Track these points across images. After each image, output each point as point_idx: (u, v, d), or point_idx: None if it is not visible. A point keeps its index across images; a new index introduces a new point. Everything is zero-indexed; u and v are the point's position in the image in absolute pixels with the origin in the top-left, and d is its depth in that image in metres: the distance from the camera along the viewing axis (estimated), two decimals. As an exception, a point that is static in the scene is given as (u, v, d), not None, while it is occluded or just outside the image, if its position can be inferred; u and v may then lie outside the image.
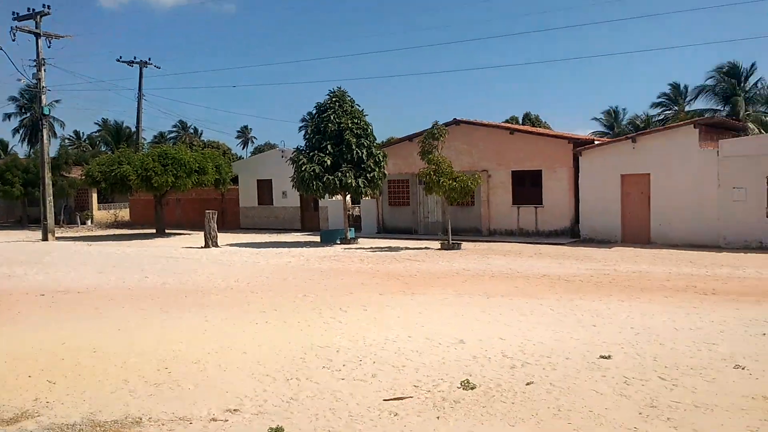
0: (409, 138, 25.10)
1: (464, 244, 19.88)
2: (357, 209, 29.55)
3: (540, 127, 46.06)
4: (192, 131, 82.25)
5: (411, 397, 5.52)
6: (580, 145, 22.18)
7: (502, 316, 9.04)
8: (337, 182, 20.84)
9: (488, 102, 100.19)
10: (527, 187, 23.23)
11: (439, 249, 19.26)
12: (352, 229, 23.42)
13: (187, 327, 8.73)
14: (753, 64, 41.06)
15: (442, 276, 13.48)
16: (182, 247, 21.62)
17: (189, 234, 27.65)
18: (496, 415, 5.03)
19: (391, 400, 5.45)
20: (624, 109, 51.64)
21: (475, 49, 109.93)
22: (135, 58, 36.69)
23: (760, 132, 32.69)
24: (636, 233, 20.22)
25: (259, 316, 9.33)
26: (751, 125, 34.70)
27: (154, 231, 28.57)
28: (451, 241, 19.35)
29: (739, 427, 4.63)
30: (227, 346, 7.51)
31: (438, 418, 5.01)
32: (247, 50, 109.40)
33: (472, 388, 5.69)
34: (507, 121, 46.64)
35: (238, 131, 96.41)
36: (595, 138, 27.42)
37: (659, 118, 46.45)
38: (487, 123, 25.42)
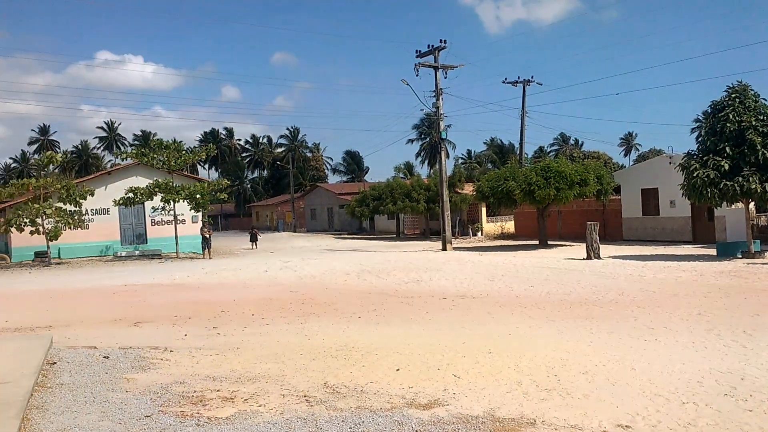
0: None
1: None
2: (763, 218, 25.65)
3: None
4: (572, 143, 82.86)
5: None
6: None
7: None
8: (737, 188, 18.48)
9: None
10: None
11: None
12: (758, 241, 20.42)
13: (572, 337, 8.88)
14: None
15: None
16: (564, 258, 21.95)
17: (571, 245, 27.89)
18: None
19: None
20: None
21: None
22: (519, 77, 38.93)
23: None
24: None
25: (647, 333, 8.93)
26: None
27: (537, 242, 29.66)
28: None
29: None
30: (616, 360, 7.41)
31: None
32: (631, 55, 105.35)
33: None
34: None
35: (621, 138, 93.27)
36: None
37: None
38: None
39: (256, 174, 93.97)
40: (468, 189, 37.78)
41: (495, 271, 18.20)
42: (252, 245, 36.57)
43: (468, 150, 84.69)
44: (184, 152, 31.04)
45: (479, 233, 38.80)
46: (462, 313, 11.35)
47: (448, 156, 66.26)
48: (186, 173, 35.33)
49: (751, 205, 21.48)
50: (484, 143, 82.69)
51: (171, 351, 8.44)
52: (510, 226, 38.63)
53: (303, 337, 9.43)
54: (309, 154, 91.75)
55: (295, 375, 7.07)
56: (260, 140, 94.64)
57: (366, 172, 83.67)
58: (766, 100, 19.42)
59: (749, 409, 5.49)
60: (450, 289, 14.73)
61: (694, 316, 10.07)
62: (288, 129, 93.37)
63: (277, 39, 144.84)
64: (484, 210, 39.43)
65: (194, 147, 41.09)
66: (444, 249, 28.40)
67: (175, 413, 5.61)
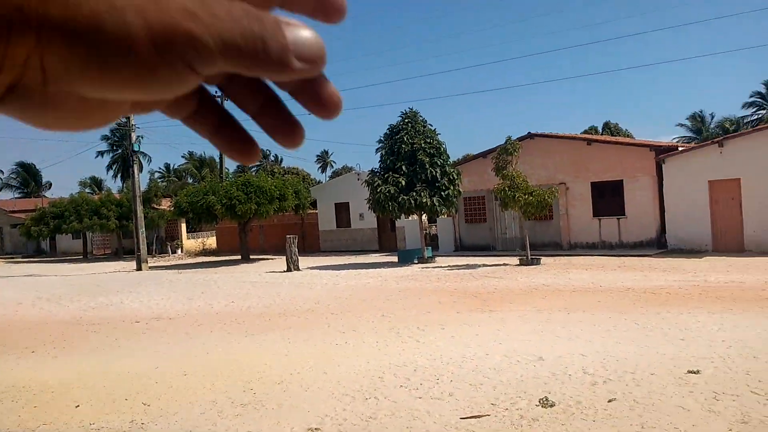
0: (483, 155, 25.03)
1: (543, 259, 19.51)
2: (434, 228, 29.59)
3: (620, 136, 44.68)
4: (273, 159, 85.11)
5: (488, 415, 5.50)
6: (662, 152, 21.41)
7: (584, 331, 8.83)
8: (412, 202, 21.01)
9: (566, 114, 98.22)
10: (608, 198, 22.60)
11: (517, 265, 18.99)
12: (429, 248, 23.48)
13: (270, 349, 9.04)
14: None
15: (521, 292, 13.29)
16: (266, 272, 22.34)
17: (272, 259, 28.53)
18: (575, 432, 4.95)
19: (468, 418, 5.46)
20: (712, 113, 49.40)
21: (551, 60, 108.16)
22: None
23: None
24: (728, 241, 19.22)
25: (338, 337, 9.54)
26: None
27: (239, 257, 29.67)
28: (530, 257, 19.04)
29: (841, 445, 4.35)
30: (310, 367, 7.73)
31: (516, 436, 4.98)
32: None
33: (551, 406, 5.60)
34: (586, 132, 45.55)
35: (318, 156, 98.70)
36: (680, 144, 26.34)
37: (752, 118, 44.08)
38: (562, 135, 24.98)
39: None
40: (166, 204, 36.08)
41: (194, 289, 17.64)
42: None
43: (166, 163, 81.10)
44: None
45: (179, 250, 37.32)
46: (156, 336, 10.70)
47: (141, 169, 62.45)
48: None
49: (424, 216, 24.63)
50: (183, 156, 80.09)
51: None
52: (212, 241, 38.01)
53: (-46, 384, 7.84)
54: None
55: (-62, 431, 5.83)
56: None
57: (48, 188, 74.10)
58: (431, 126, 22.51)
59: (419, 396, 6.20)
60: (144, 312, 13.81)
61: (379, 318, 11.08)
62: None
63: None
64: (184, 226, 38.11)
65: None
66: (139, 269, 26.61)
67: None
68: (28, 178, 72.74)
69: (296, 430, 5.45)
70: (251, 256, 29.73)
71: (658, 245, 21.04)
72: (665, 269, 15.71)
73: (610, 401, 5.64)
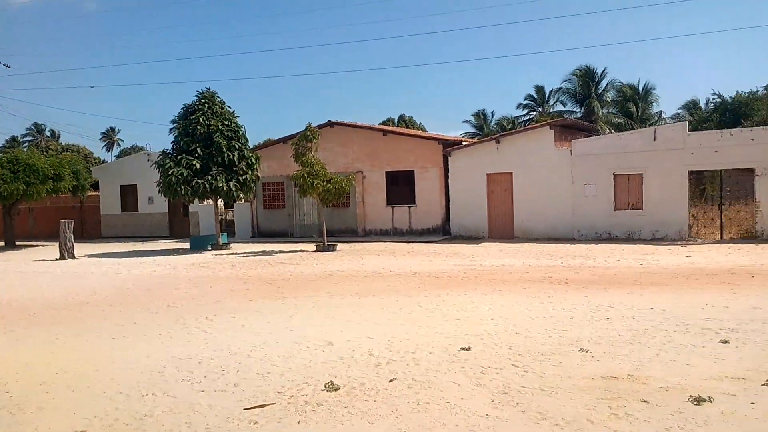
0: (284, 140, 24.87)
1: (340, 245, 19.96)
2: (231, 213, 28.78)
3: (414, 128, 47.30)
4: (49, 135, 76.37)
5: (273, 403, 5.41)
6: (449, 146, 23.02)
7: (372, 315, 9.14)
8: (207, 186, 20.19)
9: (366, 105, 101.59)
10: (401, 187, 23.78)
11: (314, 251, 19.20)
12: (225, 234, 22.81)
13: (33, 347, 8.02)
14: (605, 69, 44.73)
15: (316, 278, 13.42)
16: (35, 260, 19.96)
17: (44, 246, 25.60)
18: (356, 414, 5.05)
19: (251, 408, 5.31)
20: (493, 112, 54.33)
21: (353, 50, 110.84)
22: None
23: (610, 132, 35.69)
24: (501, 229, 21.31)
25: (116, 330, 8.78)
26: (602, 126, 37.75)
27: (2, 244, 26.14)
28: (326, 243, 19.35)
29: (578, 407, 4.97)
30: (77, 365, 6.98)
31: (299, 422, 4.94)
32: (111, 49, 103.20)
33: (335, 390, 5.68)
34: (384, 123, 47.47)
35: (103, 133, 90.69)
36: (464, 139, 28.66)
37: (525, 119, 49.31)
38: (360, 125, 25.72)
39: None
40: None
41: (-58, 281, 15.12)
42: None
43: None
44: None
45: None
46: None
47: None
48: None
49: (220, 201, 23.80)
50: (-65, 127, 68.41)
51: None
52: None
53: None
54: None
55: None
56: None
57: None
58: (230, 107, 21.78)
59: (202, 390, 5.90)
60: None
61: (164, 309, 10.42)
62: None
63: None
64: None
65: None
66: None
67: None
68: None
69: (57, 436, 4.87)
70: (18, 243, 26.35)
71: (443, 232, 22.67)
72: (448, 254, 16.95)
73: (391, 381, 5.87)
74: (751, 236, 18.09)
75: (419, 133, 31.91)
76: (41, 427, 5.09)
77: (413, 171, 23.31)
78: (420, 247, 19.34)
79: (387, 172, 23.82)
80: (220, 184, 20.30)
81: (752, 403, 4.91)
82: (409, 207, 23.45)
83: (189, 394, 5.80)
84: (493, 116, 53.45)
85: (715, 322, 7.82)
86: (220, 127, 20.75)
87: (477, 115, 53.66)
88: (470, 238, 21.48)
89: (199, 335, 8.31)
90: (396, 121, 54.64)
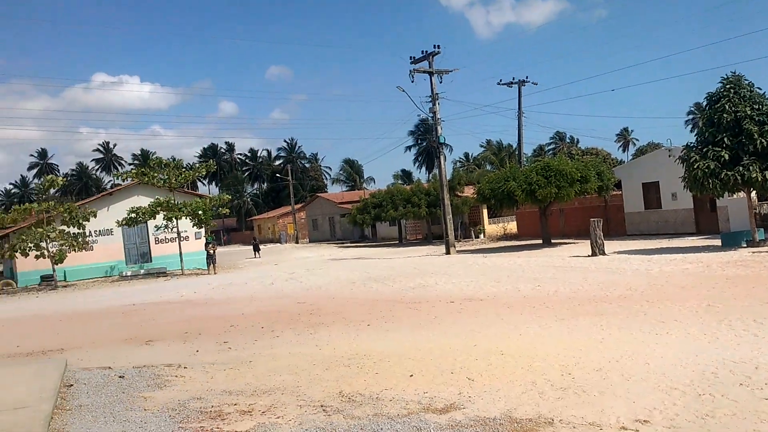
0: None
1: None
2: (765, 207, 25.65)
3: None
4: (569, 140, 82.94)
5: None
6: None
7: None
8: (738, 177, 18.54)
9: None
10: None
11: None
12: (761, 229, 20.46)
13: (583, 335, 8.90)
14: None
15: None
16: (569, 256, 21.95)
17: (575, 243, 27.91)
18: None
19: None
20: None
21: None
22: (513, 78, 39.05)
23: None
24: None
25: (657, 327, 8.95)
26: None
27: (540, 242, 29.66)
28: None
29: None
30: (629, 356, 7.42)
31: None
32: (622, 52, 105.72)
33: None
34: None
35: (617, 135, 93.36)
36: None
37: None
38: None
39: (255, 187, 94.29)
40: (468, 191, 37.83)
41: (500, 273, 18.20)
42: (255, 254, 40.46)
43: (465, 152, 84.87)
44: (183, 169, 31.24)
45: (482, 235, 38.82)
46: (470, 316, 11.37)
47: (445, 159, 66.61)
48: (186, 190, 35.47)
49: (753, 194, 21.50)
50: (481, 145, 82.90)
51: (185, 368, 8.47)
52: (512, 226, 38.66)
53: (314, 348, 9.46)
54: (307, 165, 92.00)
55: (309, 386, 7.10)
56: (259, 154, 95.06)
57: (366, 180, 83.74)
58: (760, 89, 19.49)
59: (765, 398, 5.50)
60: (456, 293, 14.75)
61: (704, 308, 10.08)
62: (285, 141, 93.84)
63: (271, 53, 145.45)
64: (485, 212, 39.45)
65: (194, 164, 41.41)
66: (447, 253, 28.40)
67: (195, 429, 5.63)
68: (352, 173, 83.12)
69: (622, 420, 5.30)
70: (552, 240, 29.48)
71: None
72: None
73: None
74: None
75: None
76: (606, 410, 5.60)
77: None
78: None
79: None
80: (753, 175, 18.34)
81: None
82: None
83: (750, 400, 5.49)
84: None
85: None
86: (749, 112, 18.78)
87: None
88: None
89: (748, 338, 7.75)
90: None
